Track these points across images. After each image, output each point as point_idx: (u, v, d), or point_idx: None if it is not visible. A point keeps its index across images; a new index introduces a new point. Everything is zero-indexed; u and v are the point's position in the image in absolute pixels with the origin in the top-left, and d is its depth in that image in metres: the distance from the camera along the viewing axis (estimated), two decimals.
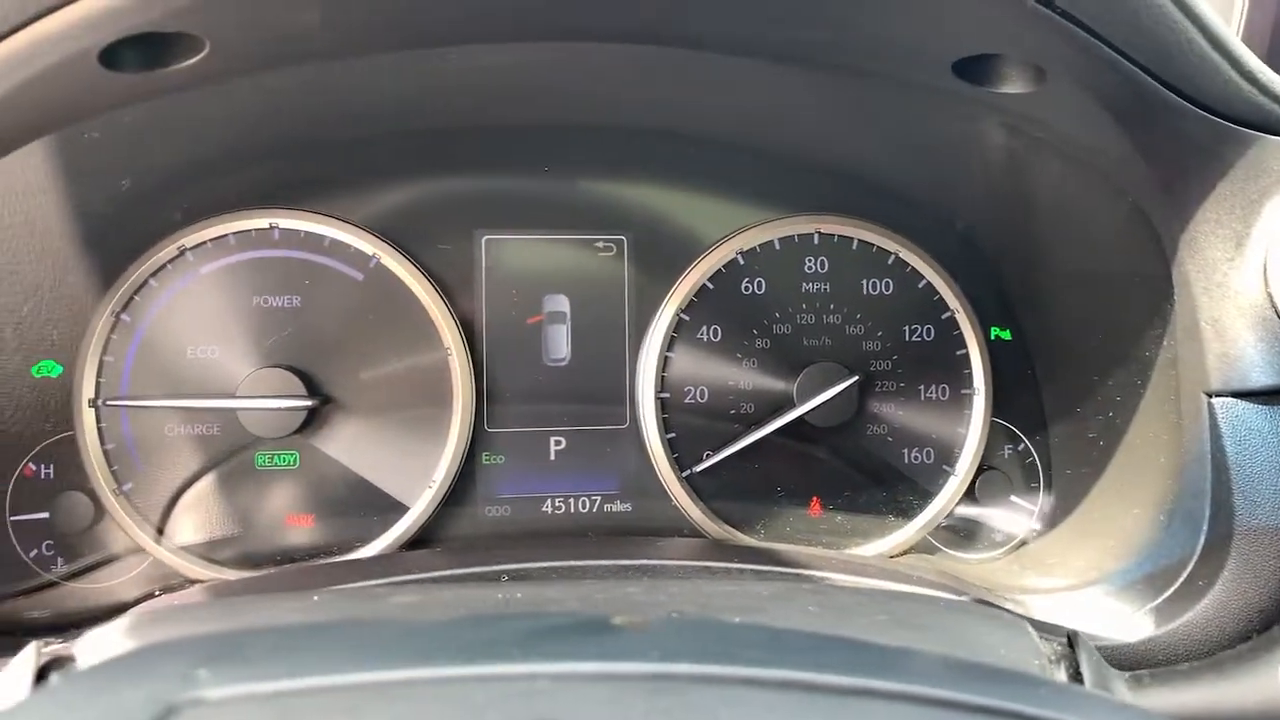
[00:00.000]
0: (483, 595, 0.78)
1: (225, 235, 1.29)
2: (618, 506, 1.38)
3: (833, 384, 1.34)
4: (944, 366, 1.41)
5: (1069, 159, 1.13)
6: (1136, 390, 1.17)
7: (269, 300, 1.30)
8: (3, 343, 1.18)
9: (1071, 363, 1.34)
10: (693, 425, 1.38)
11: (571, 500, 1.38)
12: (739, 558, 1.16)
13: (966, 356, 1.40)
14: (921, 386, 1.40)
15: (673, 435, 1.37)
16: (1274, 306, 0.94)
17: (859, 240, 1.40)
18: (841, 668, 0.52)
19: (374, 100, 1.21)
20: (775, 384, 1.38)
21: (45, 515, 1.25)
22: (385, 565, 1.16)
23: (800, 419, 1.35)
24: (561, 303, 1.38)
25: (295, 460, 1.30)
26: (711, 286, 1.38)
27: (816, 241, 1.40)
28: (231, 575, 1.27)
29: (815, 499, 1.39)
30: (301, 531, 1.31)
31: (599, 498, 1.38)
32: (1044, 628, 0.84)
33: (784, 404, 1.37)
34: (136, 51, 0.87)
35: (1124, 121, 0.96)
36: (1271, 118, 0.92)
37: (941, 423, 1.40)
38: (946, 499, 1.40)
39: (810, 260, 1.39)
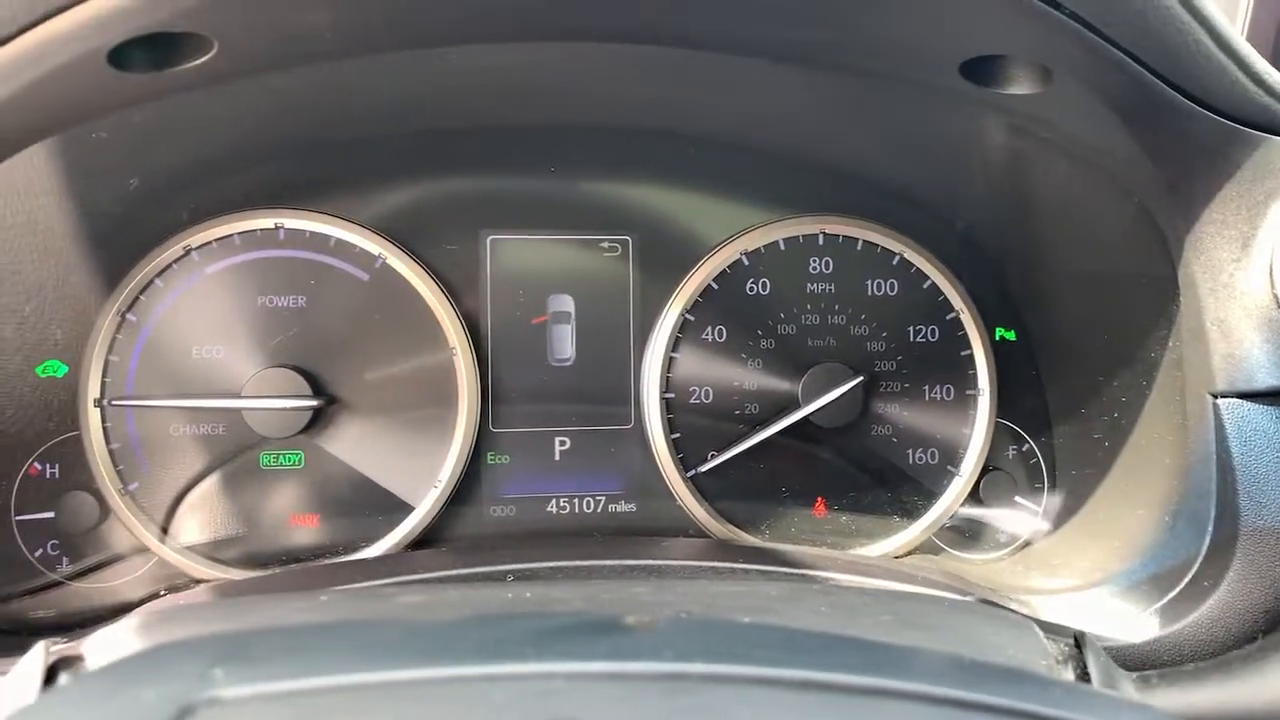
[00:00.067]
0: (491, 595, 0.78)
1: (231, 235, 1.29)
2: (622, 507, 1.39)
3: (837, 384, 1.35)
4: (949, 367, 1.41)
5: (1075, 159, 1.13)
6: (1141, 391, 1.17)
7: (274, 300, 1.30)
8: (4, 342, 1.18)
9: (1076, 363, 1.34)
10: (697, 425, 1.38)
11: (576, 500, 1.38)
12: (744, 558, 1.16)
13: (971, 357, 1.41)
14: (926, 387, 1.40)
15: (677, 435, 1.37)
16: None
17: (864, 241, 1.40)
18: (856, 668, 0.52)
19: (380, 101, 1.21)
20: (780, 384, 1.38)
21: (50, 515, 1.25)
22: (391, 565, 1.16)
23: (805, 419, 1.35)
24: (566, 303, 1.38)
25: (300, 460, 1.30)
26: (716, 287, 1.38)
27: (821, 242, 1.40)
28: (236, 575, 1.27)
29: (820, 499, 1.39)
30: (306, 531, 1.31)
31: (604, 498, 1.38)
32: (1050, 628, 0.84)
33: (789, 404, 1.37)
34: (145, 52, 0.87)
35: (1130, 122, 0.96)
36: (1278, 119, 0.92)
37: (946, 423, 1.41)
38: (951, 499, 1.40)
39: (815, 261, 1.39)
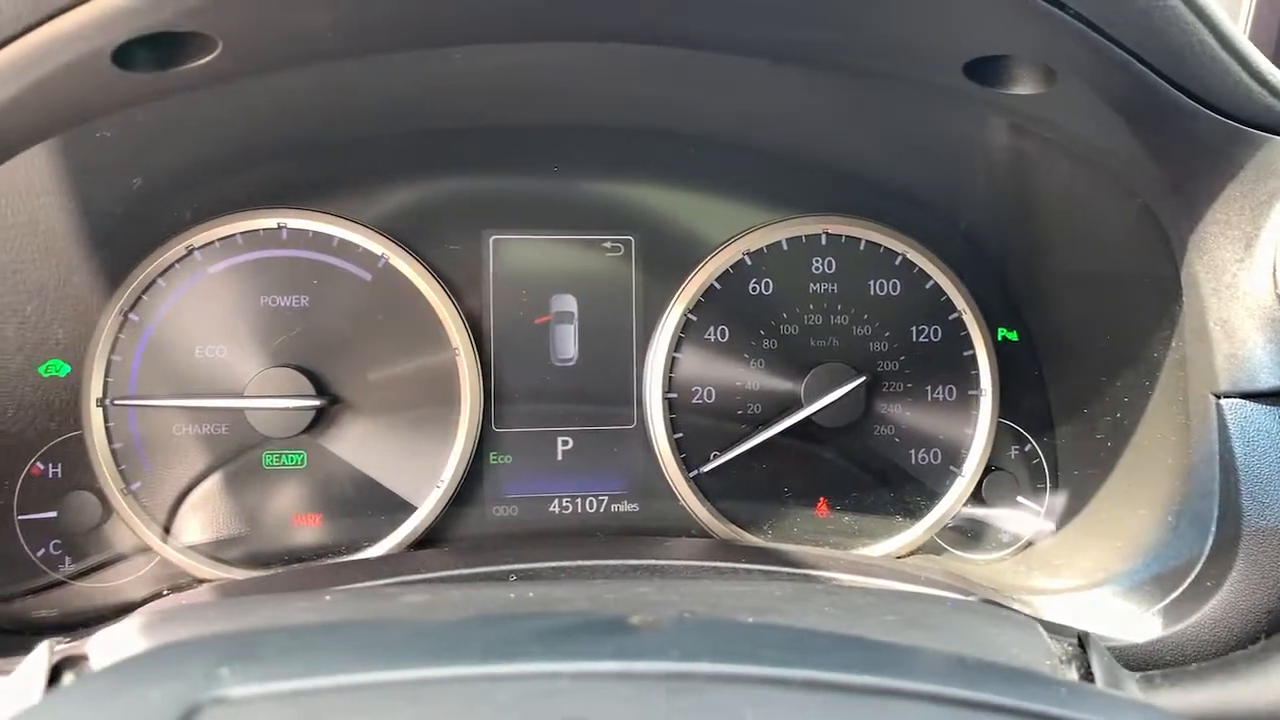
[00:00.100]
0: (495, 595, 0.78)
1: (233, 235, 1.29)
2: (625, 507, 1.39)
3: (840, 384, 1.35)
4: (951, 367, 1.41)
5: (1078, 159, 1.13)
6: (1144, 391, 1.17)
7: (277, 300, 1.30)
8: (5, 342, 1.18)
9: (1079, 364, 1.34)
10: (700, 425, 1.38)
11: (579, 500, 1.38)
12: (747, 558, 1.16)
13: (974, 357, 1.41)
14: (929, 387, 1.40)
15: (680, 435, 1.37)
16: None
17: (866, 241, 1.40)
18: (862, 667, 0.52)
19: (383, 100, 1.21)
20: (783, 384, 1.38)
21: (53, 514, 1.25)
22: (393, 565, 1.16)
23: (807, 419, 1.35)
24: (569, 303, 1.38)
25: (303, 460, 1.31)
26: (719, 287, 1.38)
27: (824, 242, 1.40)
28: (239, 575, 1.27)
29: (822, 499, 1.40)
30: (309, 531, 1.31)
31: (606, 498, 1.38)
32: (1054, 628, 0.84)
33: (791, 404, 1.37)
34: (149, 51, 0.87)
35: (1134, 122, 0.96)
36: None
37: (949, 423, 1.41)
38: (953, 500, 1.40)
39: (818, 261, 1.40)
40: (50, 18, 0.78)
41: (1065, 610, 1.13)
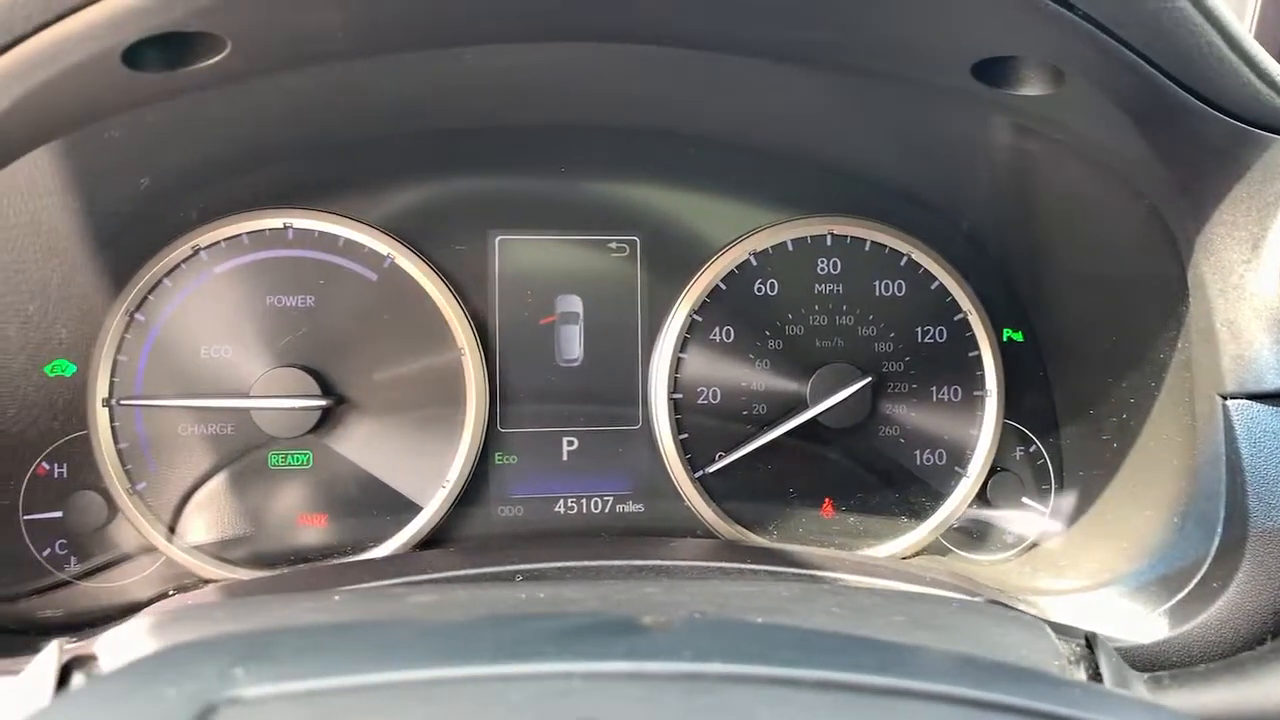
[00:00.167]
0: (505, 595, 0.78)
1: (239, 235, 1.29)
2: (630, 507, 1.39)
3: (845, 385, 1.35)
4: (956, 368, 1.41)
5: (1084, 161, 1.13)
6: (1150, 392, 1.17)
7: (283, 300, 1.30)
8: (7, 341, 1.18)
9: (1084, 364, 1.34)
10: (705, 426, 1.38)
11: (584, 500, 1.38)
12: (752, 558, 1.16)
13: (979, 358, 1.41)
14: (934, 388, 1.41)
15: (685, 436, 1.37)
16: None
17: (872, 241, 1.40)
18: (874, 668, 0.53)
19: (389, 101, 1.21)
20: (788, 385, 1.38)
21: (58, 514, 1.25)
22: (400, 565, 1.16)
23: (813, 420, 1.35)
24: (574, 303, 1.38)
25: (308, 460, 1.31)
26: (724, 287, 1.38)
27: (829, 243, 1.40)
28: (244, 575, 1.27)
29: (828, 500, 1.40)
30: (314, 531, 1.31)
31: (611, 498, 1.38)
32: (1061, 629, 0.84)
33: (797, 405, 1.37)
34: (158, 51, 0.87)
35: (1142, 124, 0.96)
36: None
37: (954, 424, 1.41)
38: (958, 500, 1.40)
39: (823, 261, 1.40)
40: (61, 17, 0.78)
41: (1071, 611, 1.13)
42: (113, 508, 1.27)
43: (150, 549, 1.27)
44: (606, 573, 1.07)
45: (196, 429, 1.28)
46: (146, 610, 1.02)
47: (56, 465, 1.25)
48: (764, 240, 1.38)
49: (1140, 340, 1.17)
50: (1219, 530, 1.01)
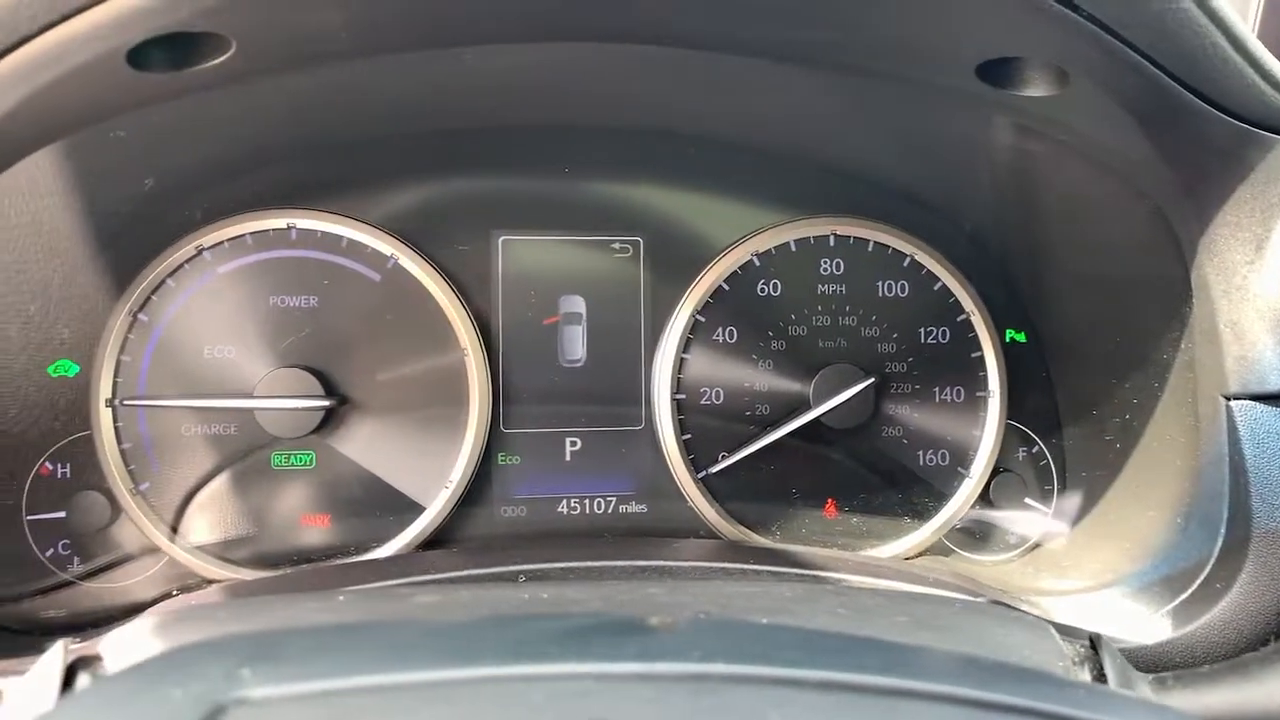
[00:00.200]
0: (510, 596, 0.78)
1: (243, 235, 1.29)
2: (633, 507, 1.39)
3: (849, 386, 1.35)
4: (959, 369, 1.41)
5: (1088, 161, 1.13)
6: (1153, 393, 1.17)
7: (286, 300, 1.30)
8: (9, 342, 1.18)
9: (1087, 365, 1.34)
10: (708, 426, 1.38)
11: (587, 501, 1.38)
12: (756, 559, 1.16)
13: (982, 359, 1.41)
14: (937, 388, 1.41)
15: (688, 436, 1.38)
16: None
17: (875, 242, 1.40)
18: (881, 669, 0.53)
19: (393, 101, 1.21)
20: (791, 385, 1.38)
21: (62, 514, 1.25)
22: (403, 565, 1.16)
23: (816, 421, 1.35)
24: (577, 304, 1.38)
25: (312, 460, 1.31)
26: (727, 288, 1.38)
27: (832, 243, 1.40)
28: (247, 575, 1.27)
29: (830, 500, 1.40)
30: (317, 531, 1.31)
31: (614, 499, 1.38)
32: (1065, 630, 0.84)
33: (800, 405, 1.37)
34: (163, 51, 0.87)
35: (1146, 124, 0.96)
36: None
37: (956, 425, 1.41)
38: (961, 501, 1.40)
39: (826, 262, 1.40)
40: (66, 18, 0.78)
41: (1074, 612, 1.13)
42: (116, 508, 1.27)
43: (153, 549, 1.27)
44: (610, 573, 1.07)
45: (200, 429, 1.28)
46: (150, 610, 1.02)
47: (60, 465, 1.26)
48: (767, 241, 1.38)
49: (1143, 341, 1.17)
50: (1222, 531, 1.01)
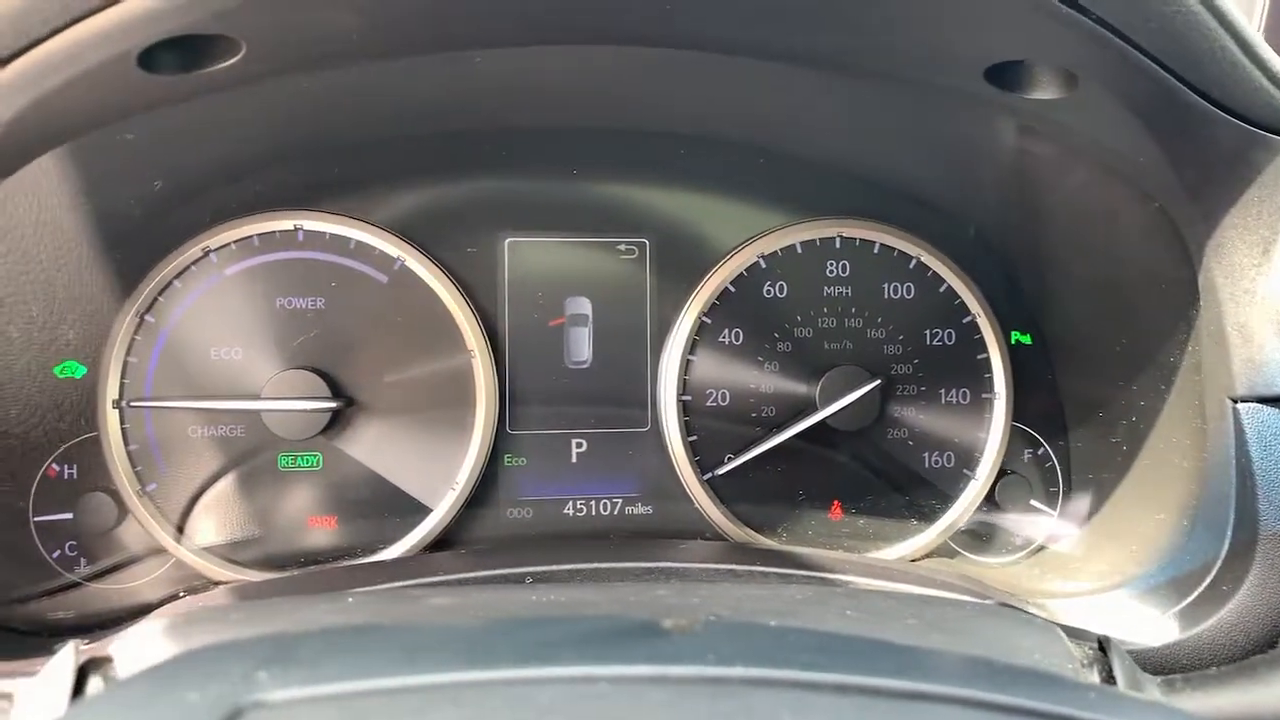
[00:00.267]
0: (522, 598, 0.78)
1: (250, 237, 1.29)
2: (639, 509, 1.39)
3: (854, 388, 1.35)
4: (965, 371, 1.41)
5: (1095, 164, 1.14)
6: (1159, 395, 1.17)
7: (293, 302, 1.30)
8: (9, 343, 1.18)
9: (1093, 367, 1.34)
10: (714, 428, 1.38)
11: (593, 503, 1.38)
12: (762, 561, 1.16)
13: (987, 361, 1.41)
14: (942, 390, 1.41)
15: (694, 438, 1.38)
16: None
17: (880, 244, 1.40)
18: (896, 671, 0.53)
19: (401, 103, 1.22)
20: (797, 387, 1.38)
21: (69, 516, 1.25)
22: (410, 567, 1.16)
23: (821, 423, 1.35)
24: (584, 305, 1.38)
25: (318, 462, 1.31)
26: (733, 290, 1.38)
27: (838, 245, 1.40)
28: (254, 576, 1.27)
29: (836, 502, 1.40)
30: (324, 533, 1.31)
31: (620, 500, 1.39)
32: (1073, 632, 0.85)
33: (805, 407, 1.37)
34: (174, 54, 0.87)
35: (1154, 127, 0.96)
36: None
37: (962, 427, 1.41)
38: (967, 503, 1.40)
39: (832, 264, 1.40)
40: (77, 21, 0.78)
41: (1080, 614, 1.12)
42: (123, 509, 1.27)
43: (160, 550, 1.27)
44: (617, 575, 1.07)
45: (206, 431, 1.29)
46: (159, 611, 1.02)
47: (67, 467, 1.26)
48: (773, 243, 1.38)
49: (1150, 343, 1.17)
50: (1228, 533, 1.01)
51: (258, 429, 1.28)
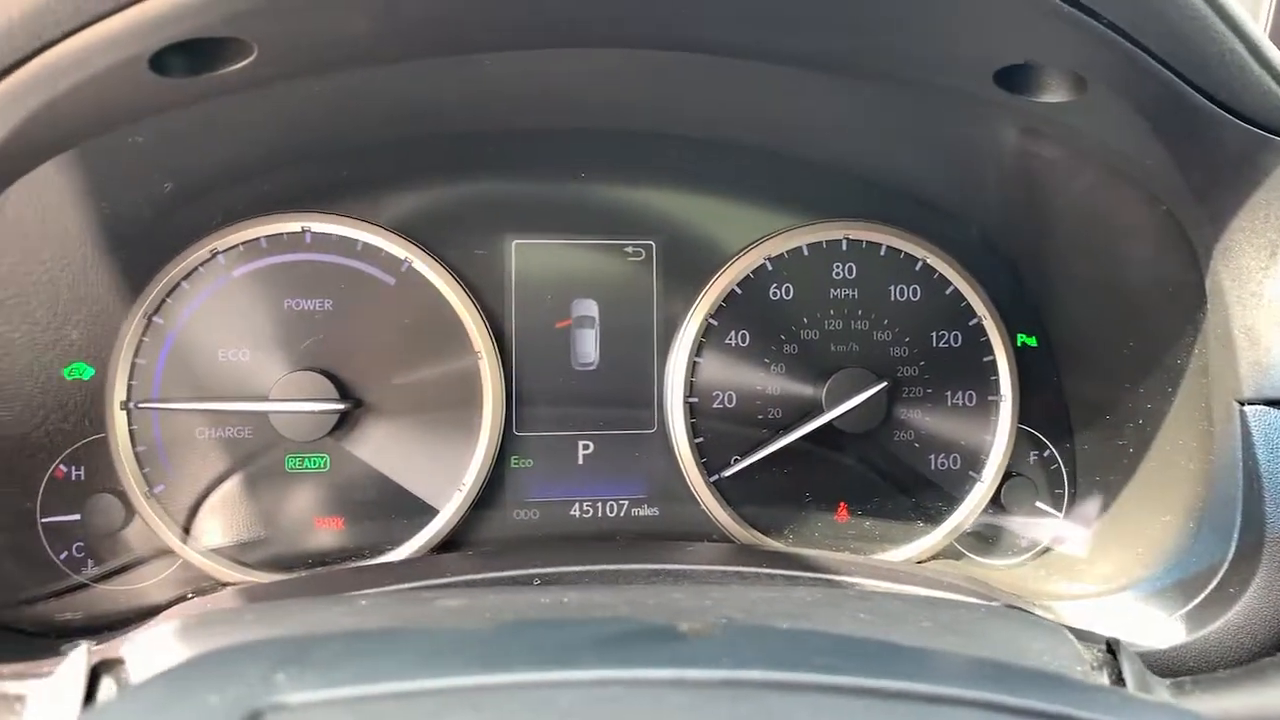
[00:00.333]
0: (535, 600, 0.78)
1: (257, 238, 1.29)
2: (645, 511, 1.39)
3: (861, 390, 1.35)
4: (971, 373, 1.41)
5: (1102, 167, 1.14)
6: (1166, 398, 1.17)
7: (301, 304, 1.30)
8: (21, 345, 1.18)
9: (1099, 370, 1.34)
10: (721, 430, 1.38)
11: (599, 504, 1.38)
12: (769, 563, 1.16)
13: (993, 363, 1.41)
14: (948, 393, 1.41)
15: (701, 440, 1.38)
16: None
17: (887, 246, 1.40)
18: (912, 674, 0.53)
19: (409, 105, 1.22)
20: (803, 389, 1.39)
21: (76, 517, 1.25)
22: (418, 569, 1.16)
23: (828, 425, 1.35)
24: (590, 307, 1.39)
25: (325, 463, 1.31)
26: (740, 292, 1.39)
27: (845, 247, 1.40)
28: (262, 578, 1.27)
29: (842, 504, 1.40)
30: (331, 534, 1.31)
31: (627, 502, 1.39)
32: (1082, 634, 0.85)
33: (812, 409, 1.37)
34: (185, 56, 0.87)
35: (1162, 130, 0.96)
36: None
37: (968, 429, 1.41)
38: (973, 505, 1.40)
39: (838, 266, 1.40)
40: (90, 23, 0.78)
41: (1087, 616, 1.13)
42: (130, 510, 1.27)
43: (167, 552, 1.28)
44: (625, 577, 1.08)
45: (214, 432, 1.29)
46: (169, 613, 1.02)
47: (74, 468, 1.26)
48: (779, 245, 1.38)
49: (1156, 346, 1.17)
50: (1235, 536, 1.01)
51: (265, 430, 1.28)
